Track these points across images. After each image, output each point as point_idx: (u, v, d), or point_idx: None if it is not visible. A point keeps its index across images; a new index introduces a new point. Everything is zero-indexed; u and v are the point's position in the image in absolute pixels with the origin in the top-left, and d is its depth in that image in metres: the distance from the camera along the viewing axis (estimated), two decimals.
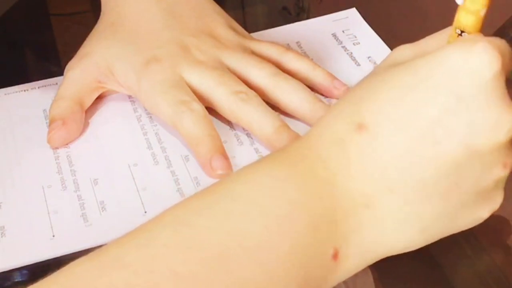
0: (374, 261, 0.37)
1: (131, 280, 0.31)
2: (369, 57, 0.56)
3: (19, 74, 0.59)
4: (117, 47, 0.51)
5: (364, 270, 0.41)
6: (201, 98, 0.49)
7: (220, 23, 0.53)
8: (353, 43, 0.57)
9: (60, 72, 0.54)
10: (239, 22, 0.55)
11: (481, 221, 0.38)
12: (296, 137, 0.47)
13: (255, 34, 0.57)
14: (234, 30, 0.54)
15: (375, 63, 0.55)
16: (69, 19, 0.68)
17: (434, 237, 0.37)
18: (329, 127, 0.36)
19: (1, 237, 0.44)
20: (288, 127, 0.48)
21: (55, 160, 0.49)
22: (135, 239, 0.33)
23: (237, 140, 0.49)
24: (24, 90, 0.55)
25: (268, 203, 0.34)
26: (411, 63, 0.36)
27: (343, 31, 0.59)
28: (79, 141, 0.51)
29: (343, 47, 0.57)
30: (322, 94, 0.52)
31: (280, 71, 0.50)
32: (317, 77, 0.52)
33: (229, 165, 0.47)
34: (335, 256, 0.34)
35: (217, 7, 0.54)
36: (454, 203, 0.36)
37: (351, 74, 0.54)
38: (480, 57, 0.35)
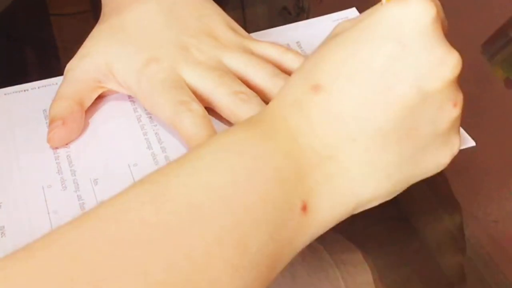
0: (346, 216, 0.38)
1: (102, 230, 0.32)
2: None
3: (19, 73, 0.59)
4: (117, 47, 0.51)
5: (365, 270, 0.41)
6: (200, 98, 0.49)
7: (220, 23, 0.53)
8: None
9: (60, 72, 0.54)
10: (239, 22, 0.55)
11: (443, 167, 0.40)
12: None
13: (255, 34, 0.57)
14: (234, 30, 0.53)
15: None
16: (69, 19, 0.68)
17: (400, 183, 0.39)
18: (288, 93, 0.39)
19: (1, 237, 0.44)
20: None
21: (55, 160, 0.49)
22: (110, 199, 0.33)
23: None
24: (24, 90, 0.55)
25: (233, 159, 0.35)
26: (355, 25, 0.39)
27: None
28: (79, 141, 0.51)
29: None
30: None
31: (280, 72, 0.50)
32: None
33: None
34: (304, 208, 0.36)
35: (217, 8, 0.54)
36: (414, 147, 0.38)
37: None
38: (417, 5, 0.38)
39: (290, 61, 0.52)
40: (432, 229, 0.45)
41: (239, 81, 0.50)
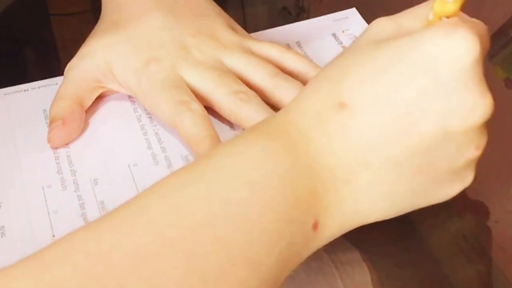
0: (350, 229, 0.38)
1: (120, 243, 0.31)
2: None
3: (19, 73, 0.59)
4: (117, 47, 0.51)
5: (364, 270, 0.41)
6: (200, 98, 0.49)
7: (220, 23, 0.53)
8: None
9: (60, 72, 0.54)
10: (239, 22, 0.55)
11: (451, 197, 0.39)
12: None
13: (255, 34, 0.57)
14: (234, 30, 0.53)
15: None
16: (69, 19, 0.68)
17: (403, 210, 0.39)
18: (310, 104, 0.37)
19: (1, 237, 0.44)
20: None
21: (55, 160, 0.49)
22: (126, 207, 0.33)
23: None
24: (24, 90, 0.55)
25: (250, 175, 0.34)
26: (392, 43, 0.37)
27: (343, 31, 0.59)
28: (79, 141, 0.51)
29: (343, 47, 0.57)
30: None
31: (280, 72, 0.50)
32: None
33: None
34: (315, 226, 0.35)
35: (217, 8, 0.55)
36: (426, 181, 0.37)
37: None
38: (460, 43, 0.35)
39: (290, 61, 0.52)
40: (431, 229, 0.45)
41: (239, 81, 0.50)
